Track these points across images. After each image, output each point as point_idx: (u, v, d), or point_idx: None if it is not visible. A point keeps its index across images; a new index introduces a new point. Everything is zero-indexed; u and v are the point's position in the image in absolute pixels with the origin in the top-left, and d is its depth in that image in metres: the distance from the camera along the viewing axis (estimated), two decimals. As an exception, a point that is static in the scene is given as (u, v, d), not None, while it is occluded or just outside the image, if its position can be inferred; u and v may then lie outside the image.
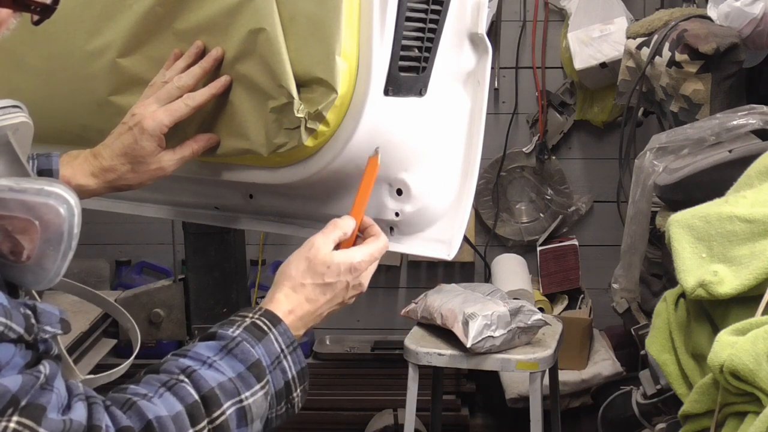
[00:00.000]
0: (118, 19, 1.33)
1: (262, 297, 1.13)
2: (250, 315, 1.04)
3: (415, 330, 2.41)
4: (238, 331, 1.01)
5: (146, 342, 1.46)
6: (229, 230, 2.15)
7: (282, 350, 1.03)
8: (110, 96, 1.37)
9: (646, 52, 2.42)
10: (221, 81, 1.23)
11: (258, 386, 0.97)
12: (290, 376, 1.03)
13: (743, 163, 1.67)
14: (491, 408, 3.36)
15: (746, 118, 2.00)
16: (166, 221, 1.88)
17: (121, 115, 1.28)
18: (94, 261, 3.44)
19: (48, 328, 0.84)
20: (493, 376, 3.10)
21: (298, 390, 1.04)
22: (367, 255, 1.15)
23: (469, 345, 2.16)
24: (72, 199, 0.86)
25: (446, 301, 2.32)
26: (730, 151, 1.91)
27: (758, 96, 2.34)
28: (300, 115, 1.17)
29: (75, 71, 1.40)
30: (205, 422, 0.92)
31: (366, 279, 1.15)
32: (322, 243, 1.13)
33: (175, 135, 1.26)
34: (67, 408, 0.83)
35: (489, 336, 2.17)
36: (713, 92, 2.24)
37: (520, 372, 2.25)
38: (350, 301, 1.16)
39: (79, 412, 0.83)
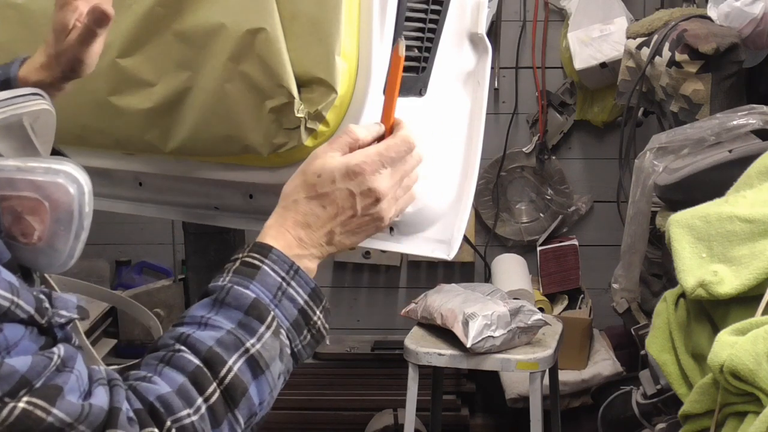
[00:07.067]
0: (117, 19, 1.32)
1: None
2: (240, 255, 0.95)
3: (415, 330, 2.41)
4: (227, 278, 0.92)
5: (146, 342, 1.46)
6: (229, 230, 2.15)
7: (282, 278, 0.93)
8: (110, 96, 1.37)
9: (646, 52, 2.42)
10: None
11: (263, 327, 0.89)
12: (301, 301, 0.94)
13: (743, 163, 1.67)
14: (491, 408, 3.36)
15: (746, 118, 2.00)
16: (166, 221, 1.88)
17: (120, 115, 1.27)
18: (94, 261, 3.43)
19: (63, 312, 0.80)
20: (493, 376, 3.10)
21: (317, 313, 0.95)
22: (368, 155, 0.98)
23: (469, 345, 2.16)
24: (82, 177, 0.84)
25: (446, 301, 2.32)
26: (730, 151, 1.92)
27: (758, 96, 2.34)
28: (300, 115, 1.16)
29: (75, 71, 1.40)
30: (213, 385, 0.85)
31: (380, 183, 0.99)
32: (321, 151, 1.00)
33: (170, 131, 1.25)
34: (88, 394, 0.79)
35: (489, 336, 2.17)
36: (713, 92, 2.24)
37: (520, 372, 2.25)
38: (372, 211, 1.00)
39: (99, 398, 0.79)
